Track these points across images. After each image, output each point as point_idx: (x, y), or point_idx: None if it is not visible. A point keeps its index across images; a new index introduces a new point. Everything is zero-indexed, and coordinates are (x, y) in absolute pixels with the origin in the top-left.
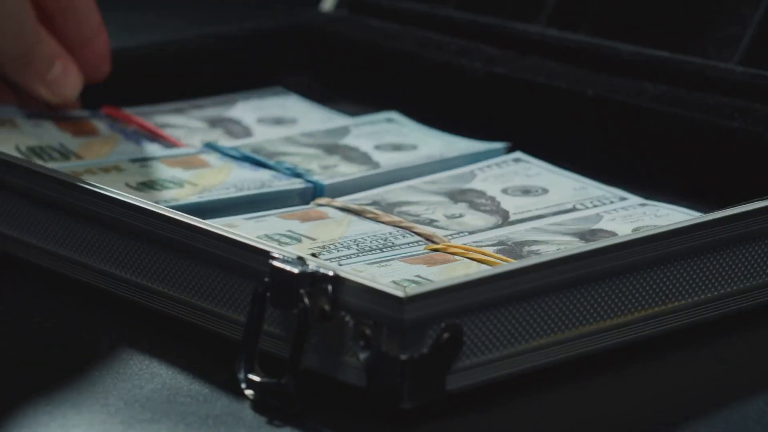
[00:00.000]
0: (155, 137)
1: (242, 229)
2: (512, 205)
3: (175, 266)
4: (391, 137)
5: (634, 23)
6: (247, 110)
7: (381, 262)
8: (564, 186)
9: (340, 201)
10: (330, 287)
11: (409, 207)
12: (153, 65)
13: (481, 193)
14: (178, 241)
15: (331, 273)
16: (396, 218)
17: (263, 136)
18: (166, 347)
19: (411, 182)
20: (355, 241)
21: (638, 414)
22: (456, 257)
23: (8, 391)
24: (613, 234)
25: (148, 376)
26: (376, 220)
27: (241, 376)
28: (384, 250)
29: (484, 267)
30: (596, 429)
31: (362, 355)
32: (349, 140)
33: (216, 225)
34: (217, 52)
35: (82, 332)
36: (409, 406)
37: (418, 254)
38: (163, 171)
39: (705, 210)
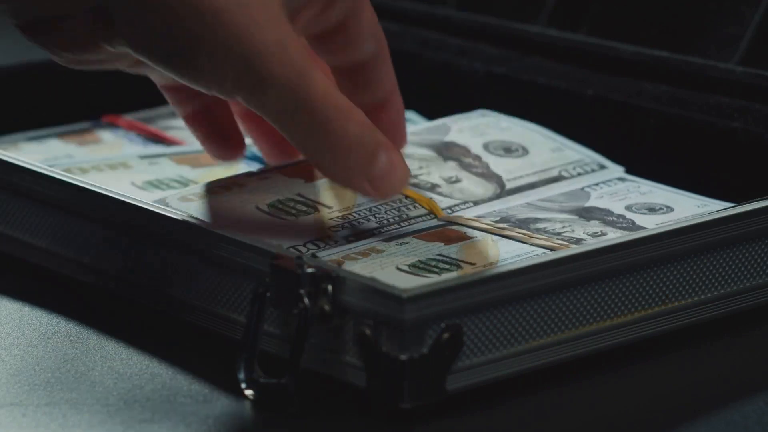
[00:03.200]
0: (163, 141)
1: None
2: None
3: (175, 266)
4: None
5: (634, 23)
6: None
7: (397, 238)
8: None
9: None
10: (330, 287)
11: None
12: None
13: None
14: (178, 241)
15: (331, 273)
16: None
17: None
18: (166, 347)
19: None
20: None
21: (638, 414)
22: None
23: (8, 391)
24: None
25: (148, 376)
26: None
27: (241, 376)
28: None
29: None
30: (596, 429)
31: (362, 355)
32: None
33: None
34: None
35: (82, 332)
36: (409, 406)
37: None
38: (170, 169)
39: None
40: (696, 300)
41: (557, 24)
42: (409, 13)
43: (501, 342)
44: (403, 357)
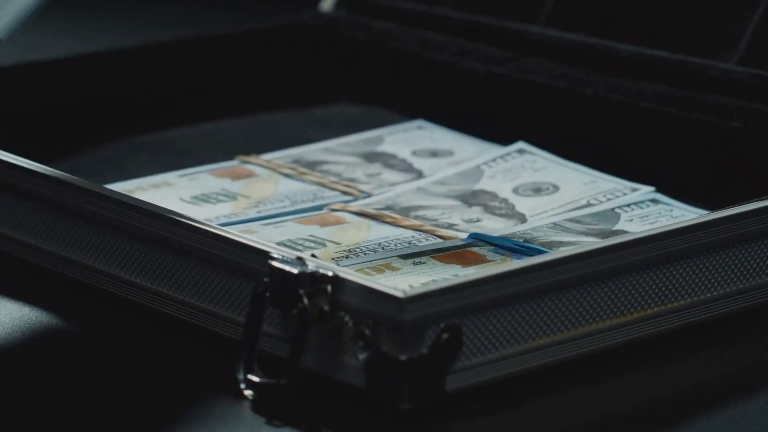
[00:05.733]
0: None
1: (262, 234)
2: (527, 206)
3: (175, 266)
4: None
5: (633, 23)
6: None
7: (413, 257)
8: (574, 180)
9: (355, 206)
10: (329, 287)
11: (425, 211)
12: (153, 65)
13: (493, 195)
14: (178, 242)
15: (330, 273)
16: (416, 222)
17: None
18: (167, 347)
19: (420, 184)
20: (380, 245)
21: (638, 414)
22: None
23: (8, 391)
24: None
25: (148, 376)
26: (395, 224)
27: (241, 376)
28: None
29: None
30: (596, 429)
31: (362, 356)
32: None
33: (217, 226)
34: (216, 52)
35: (82, 332)
36: (409, 406)
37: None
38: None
39: (705, 210)
40: (696, 300)
41: (556, 24)
42: (408, 13)
43: (500, 342)
44: (403, 357)
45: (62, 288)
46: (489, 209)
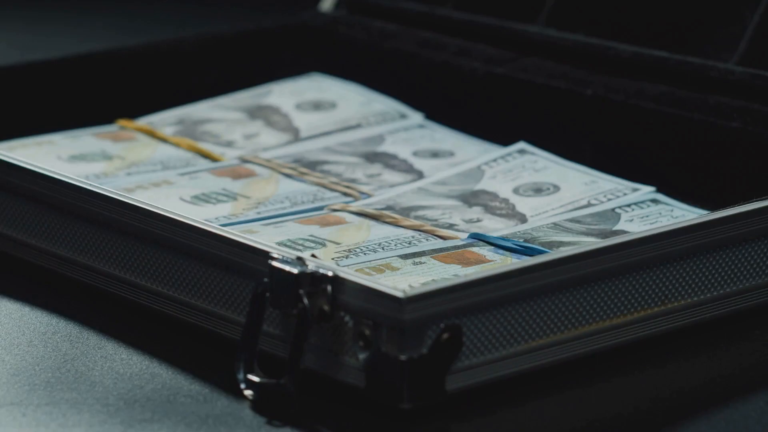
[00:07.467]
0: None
1: (262, 235)
2: (527, 207)
3: (175, 266)
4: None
5: (633, 23)
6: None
7: (413, 257)
8: (574, 180)
9: (355, 206)
10: (329, 287)
11: (425, 211)
12: (152, 65)
13: (494, 195)
14: (178, 241)
15: (330, 273)
16: (416, 222)
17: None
18: (166, 347)
19: (420, 184)
20: (380, 245)
21: (638, 414)
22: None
23: (8, 391)
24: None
25: (148, 376)
26: (395, 224)
27: (241, 376)
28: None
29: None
30: (596, 429)
31: (362, 356)
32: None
33: (217, 226)
34: (216, 52)
35: (82, 332)
36: (409, 406)
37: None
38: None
39: (705, 210)
40: (696, 300)
41: (556, 24)
42: (409, 13)
43: (500, 342)
44: (403, 357)
45: (62, 288)
46: (489, 209)
